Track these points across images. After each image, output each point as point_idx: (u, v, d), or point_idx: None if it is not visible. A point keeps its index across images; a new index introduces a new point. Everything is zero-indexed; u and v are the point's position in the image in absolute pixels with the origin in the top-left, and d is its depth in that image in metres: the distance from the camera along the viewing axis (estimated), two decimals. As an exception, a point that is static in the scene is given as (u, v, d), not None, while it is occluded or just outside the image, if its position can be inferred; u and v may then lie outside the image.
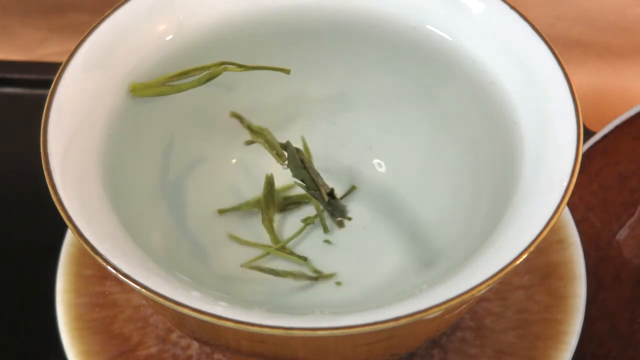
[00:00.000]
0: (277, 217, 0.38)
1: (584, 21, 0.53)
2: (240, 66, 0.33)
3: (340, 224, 0.36)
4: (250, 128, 0.35)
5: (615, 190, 0.43)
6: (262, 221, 0.37)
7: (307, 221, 0.37)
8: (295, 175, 0.34)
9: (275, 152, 0.34)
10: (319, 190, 0.34)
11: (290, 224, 0.38)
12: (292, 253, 0.36)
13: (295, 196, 0.38)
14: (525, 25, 0.32)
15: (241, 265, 0.36)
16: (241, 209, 0.37)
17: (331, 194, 0.34)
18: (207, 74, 0.33)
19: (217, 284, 0.35)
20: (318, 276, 0.36)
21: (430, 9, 0.34)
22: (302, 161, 0.33)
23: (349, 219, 0.36)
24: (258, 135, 0.35)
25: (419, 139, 0.37)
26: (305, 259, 0.36)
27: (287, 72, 0.34)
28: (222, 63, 0.33)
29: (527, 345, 0.35)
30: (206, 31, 0.34)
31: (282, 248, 0.36)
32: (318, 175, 0.34)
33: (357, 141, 0.39)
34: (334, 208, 0.35)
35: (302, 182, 0.34)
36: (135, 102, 0.33)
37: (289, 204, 0.38)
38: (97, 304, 0.36)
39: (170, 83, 0.33)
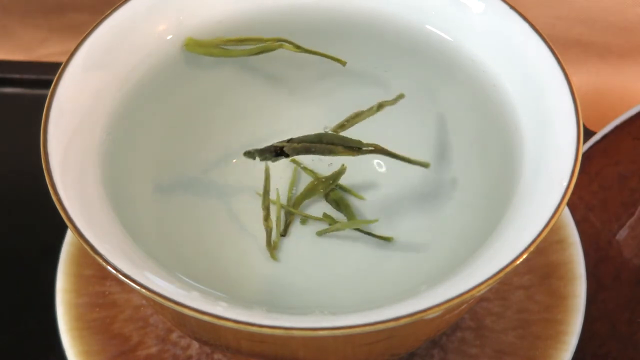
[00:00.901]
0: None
1: (584, 21, 0.53)
2: (297, 47, 0.34)
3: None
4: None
5: (615, 190, 0.43)
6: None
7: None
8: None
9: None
10: None
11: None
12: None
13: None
14: (525, 25, 0.32)
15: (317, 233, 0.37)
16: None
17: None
18: (262, 46, 0.33)
19: (218, 284, 0.35)
20: (373, 235, 0.36)
21: (430, 9, 0.34)
22: None
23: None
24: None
25: (419, 139, 0.37)
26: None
27: (343, 63, 0.34)
28: (279, 40, 0.33)
29: (527, 345, 0.35)
30: (206, 31, 0.34)
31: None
32: None
33: (357, 141, 0.39)
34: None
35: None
36: (135, 102, 0.33)
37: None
38: (97, 304, 0.36)
39: (224, 46, 0.33)
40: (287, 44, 0.33)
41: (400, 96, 0.34)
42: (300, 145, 0.32)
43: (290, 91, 0.38)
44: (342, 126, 0.34)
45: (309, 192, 0.38)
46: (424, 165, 0.35)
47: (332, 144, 0.33)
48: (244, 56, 0.34)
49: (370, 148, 0.33)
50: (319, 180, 0.38)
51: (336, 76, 0.37)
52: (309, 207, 0.38)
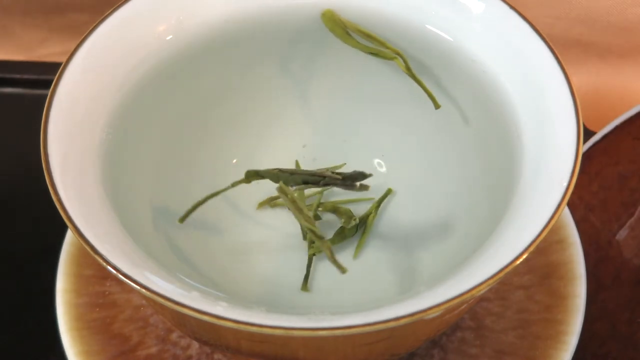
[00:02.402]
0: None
1: (584, 21, 0.53)
2: (407, 69, 0.34)
3: (364, 187, 0.33)
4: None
5: (615, 190, 0.43)
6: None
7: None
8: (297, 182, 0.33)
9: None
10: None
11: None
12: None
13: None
14: (525, 25, 0.32)
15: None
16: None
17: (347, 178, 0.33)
18: (379, 50, 0.34)
19: (218, 283, 0.35)
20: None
21: (430, 9, 0.34)
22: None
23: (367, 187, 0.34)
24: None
25: (419, 139, 0.37)
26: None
27: (437, 105, 0.34)
28: (397, 53, 0.34)
29: (527, 345, 0.35)
30: (206, 31, 0.34)
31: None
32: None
33: (357, 141, 0.39)
34: (350, 181, 0.34)
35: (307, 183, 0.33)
36: (135, 102, 0.33)
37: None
38: (97, 304, 0.36)
39: (353, 34, 0.34)
40: (400, 61, 0.34)
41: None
42: (297, 177, 0.32)
43: (290, 91, 0.38)
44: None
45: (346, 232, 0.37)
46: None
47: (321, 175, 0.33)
48: (360, 50, 0.34)
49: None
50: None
51: (336, 77, 0.37)
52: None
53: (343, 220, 0.36)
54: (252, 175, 0.33)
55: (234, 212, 0.38)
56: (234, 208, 0.38)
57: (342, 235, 0.37)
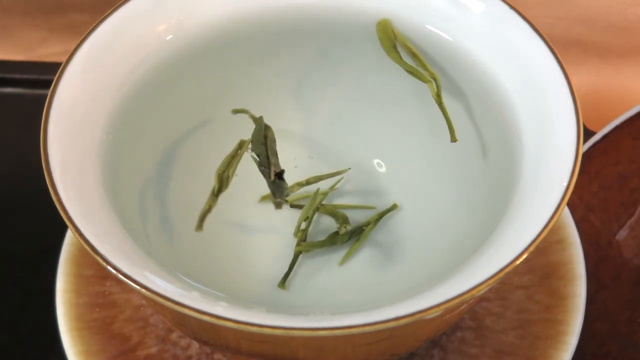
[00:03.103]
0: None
1: (584, 21, 0.53)
2: (438, 95, 0.34)
3: (278, 205, 0.34)
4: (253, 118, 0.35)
5: (615, 190, 0.43)
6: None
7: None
8: (253, 149, 0.33)
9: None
10: (269, 168, 0.33)
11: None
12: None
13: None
14: (525, 25, 0.32)
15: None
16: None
17: (279, 175, 0.34)
18: (415, 70, 0.34)
19: (217, 283, 0.35)
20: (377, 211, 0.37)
21: (430, 9, 0.34)
22: (265, 137, 0.33)
23: (286, 201, 0.35)
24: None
25: (419, 139, 0.37)
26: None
27: (454, 139, 0.34)
28: (433, 76, 0.34)
29: (527, 345, 0.35)
30: (206, 31, 0.34)
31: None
32: (275, 155, 0.34)
33: (356, 141, 0.39)
34: (276, 188, 0.34)
35: (256, 157, 0.34)
36: (135, 102, 0.33)
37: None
38: (97, 304, 0.36)
39: (400, 48, 0.34)
40: (433, 86, 0.33)
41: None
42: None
43: (290, 91, 0.38)
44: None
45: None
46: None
47: None
48: (399, 65, 0.34)
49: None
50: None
51: (336, 76, 0.37)
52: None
53: (338, 224, 0.37)
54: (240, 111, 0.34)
55: (233, 212, 0.38)
56: (234, 208, 0.38)
57: (334, 240, 0.36)
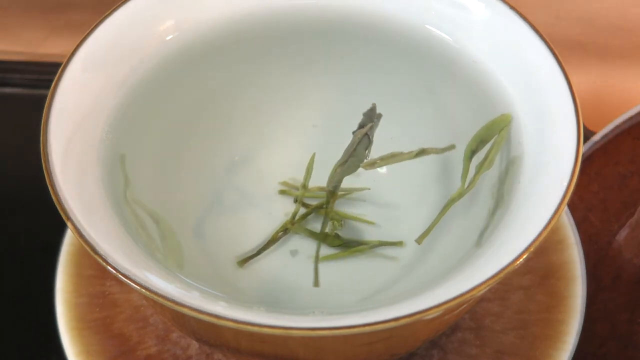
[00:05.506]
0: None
1: (584, 21, 0.53)
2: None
3: (354, 170, 0.34)
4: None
5: (615, 190, 0.43)
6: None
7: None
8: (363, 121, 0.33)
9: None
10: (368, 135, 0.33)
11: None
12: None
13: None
14: (525, 26, 0.32)
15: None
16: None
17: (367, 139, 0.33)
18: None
19: (217, 283, 0.35)
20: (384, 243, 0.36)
21: (430, 9, 0.34)
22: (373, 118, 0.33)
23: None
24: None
25: (419, 139, 0.37)
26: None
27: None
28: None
29: (527, 345, 0.35)
30: (206, 31, 0.34)
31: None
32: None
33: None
34: (362, 145, 0.33)
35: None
36: (135, 102, 0.33)
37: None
38: (97, 304, 0.36)
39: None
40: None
41: (451, 146, 0.34)
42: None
43: (290, 91, 0.38)
44: (373, 164, 0.34)
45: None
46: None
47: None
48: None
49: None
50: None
51: (336, 76, 0.37)
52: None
53: (332, 225, 0.37)
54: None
55: (233, 212, 0.38)
56: (233, 208, 0.38)
57: (324, 238, 0.36)
